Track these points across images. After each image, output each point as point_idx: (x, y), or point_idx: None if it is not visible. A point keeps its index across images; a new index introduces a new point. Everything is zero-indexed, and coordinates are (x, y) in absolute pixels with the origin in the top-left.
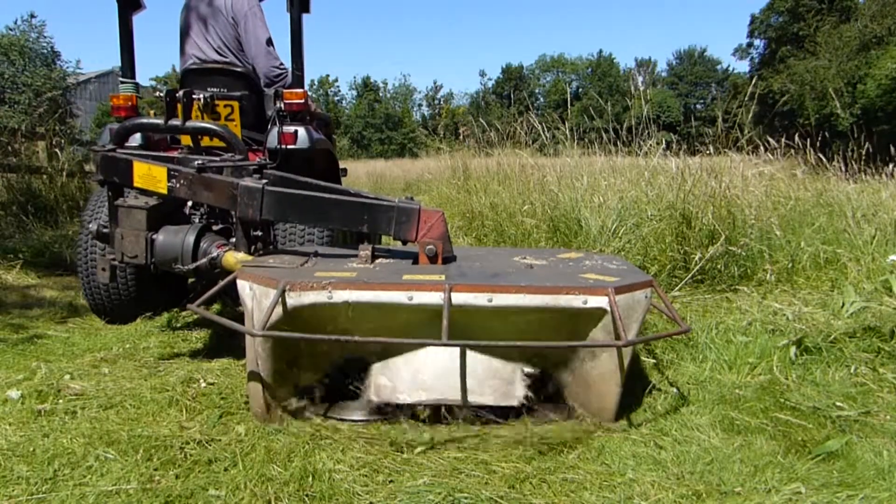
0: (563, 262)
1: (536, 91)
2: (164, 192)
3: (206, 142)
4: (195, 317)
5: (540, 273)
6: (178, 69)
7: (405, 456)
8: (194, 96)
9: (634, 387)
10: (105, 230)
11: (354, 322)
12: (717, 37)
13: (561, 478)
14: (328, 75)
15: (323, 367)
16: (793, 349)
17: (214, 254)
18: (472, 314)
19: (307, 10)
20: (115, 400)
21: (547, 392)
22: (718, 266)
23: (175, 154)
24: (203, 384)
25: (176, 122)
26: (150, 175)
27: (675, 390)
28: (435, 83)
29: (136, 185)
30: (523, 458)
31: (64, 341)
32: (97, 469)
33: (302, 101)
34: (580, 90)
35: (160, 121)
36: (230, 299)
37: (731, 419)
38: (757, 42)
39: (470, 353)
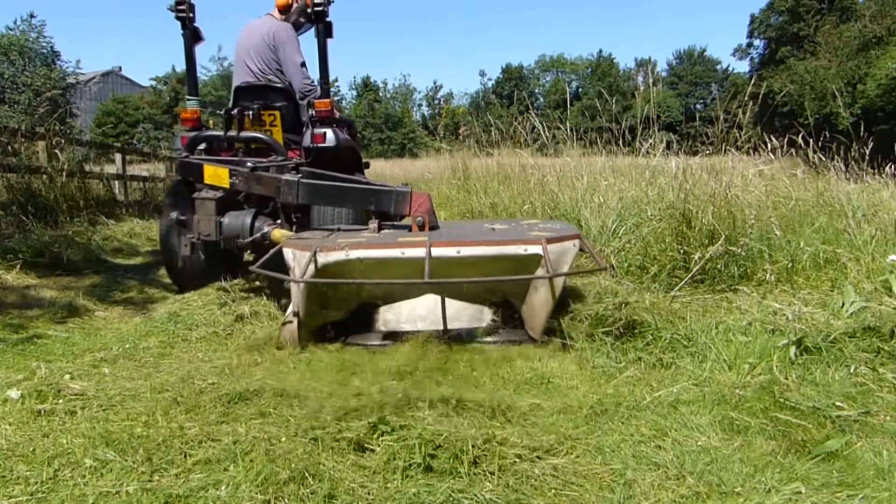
0: (521, 226)
1: (536, 91)
2: (227, 186)
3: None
4: (196, 316)
5: (499, 233)
6: (176, 69)
7: (403, 462)
8: (245, 112)
9: (635, 385)
10: (182, 217)
11: (365, 273)
12: (717, 37)
13: (561, 478)
14: None
15: (344, 308)
16: (793, 349)
17: (266, 230)
18: (450, 265)
19: (331, 36)
20: (115, 400)
21: (508, 318)
22: (718, 266)
23: (229, 156)
24: (203, 384)
25: (232, 133)
26: (217, 174)
27: (674, 390)
28: (435, 83)
29: (206, 181)
30: (523, 456)
31: (64, 341)
32: (97, 469)
33: (328, 108)
34: (580, 90)
35: (221, 132)
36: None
37: (731, 419)
38: (757, 42)
39: (450, 291)
